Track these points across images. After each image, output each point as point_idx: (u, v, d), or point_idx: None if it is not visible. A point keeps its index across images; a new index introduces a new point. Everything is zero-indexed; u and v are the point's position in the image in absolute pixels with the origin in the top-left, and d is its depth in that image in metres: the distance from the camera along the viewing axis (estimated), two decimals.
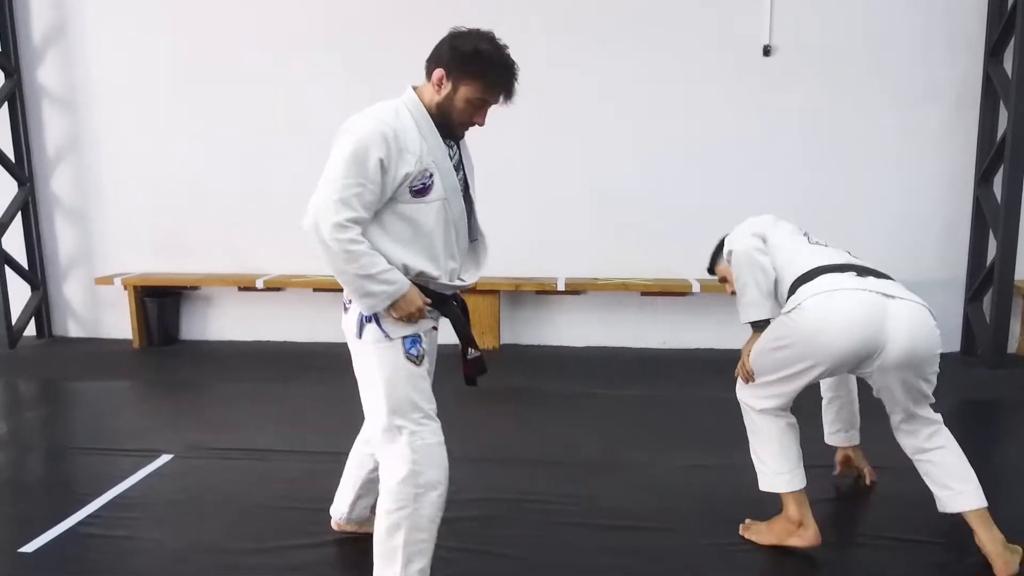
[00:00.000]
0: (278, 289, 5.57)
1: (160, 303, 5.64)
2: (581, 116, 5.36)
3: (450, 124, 2.13)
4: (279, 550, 2.65)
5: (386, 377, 2.13)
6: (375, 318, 2.11)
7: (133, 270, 5.76)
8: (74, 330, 5.98)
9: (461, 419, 4.01)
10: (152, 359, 5.39)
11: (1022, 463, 3.51)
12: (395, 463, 2.13)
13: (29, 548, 2.65)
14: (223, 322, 5.85)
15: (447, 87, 2.09)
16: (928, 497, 2.85)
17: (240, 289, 5.64)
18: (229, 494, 3.06)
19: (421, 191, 2.07)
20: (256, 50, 5.48)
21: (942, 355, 5.41)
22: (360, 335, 2.15)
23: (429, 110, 2.11)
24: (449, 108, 2.10)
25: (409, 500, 2.11)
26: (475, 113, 2.12)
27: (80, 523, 2.83)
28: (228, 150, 5.62)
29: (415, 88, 2.16)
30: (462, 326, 2.31)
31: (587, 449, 3.57)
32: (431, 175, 2.07)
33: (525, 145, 5.36)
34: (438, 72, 2.08)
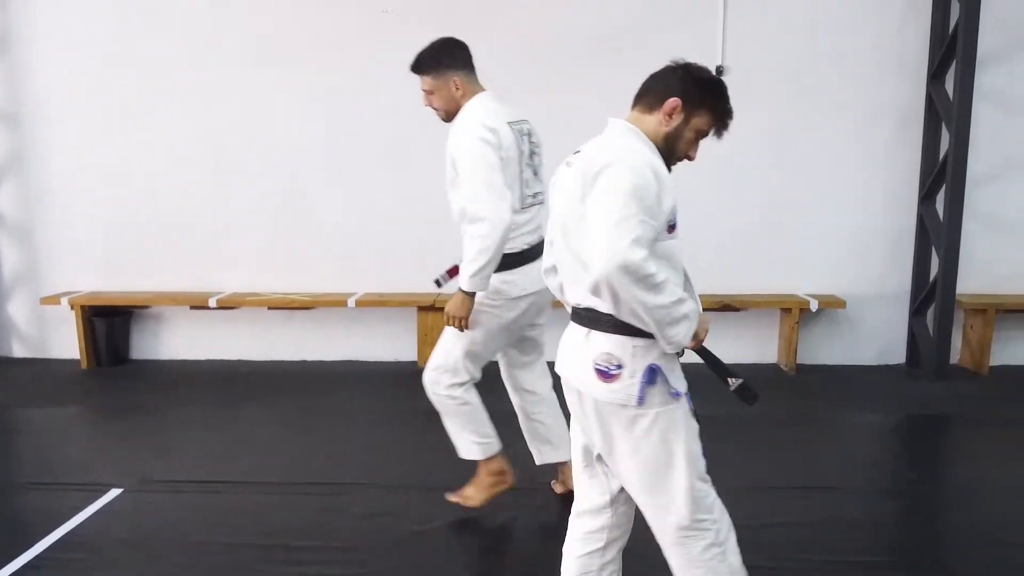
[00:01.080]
0: (231, 308, 5.47)
1: (109, 323, 5.50)
2: (544, 134, 5.37)
3: (671, 157, 2.05)
4: None
5: (686, 450, 1.91)
6: (661, 374, 1.89)
7: (80, 288, 5.61)
8: (18, 350, 5.79)
9: (419, 443, 4.04)
10: (101, 381, 5.25)
11: (968, 474, 3.63)
12: (702, 546, 2.00)
13: None
14: (175, 341, 5.73)
15: (678, 118, 2.01)
16: (874, 518, 2.93)
17: (192, 308, 5.53)
18: (182, 531, 3.00)
19: (674, 226, 1.94)
20: (211, 65, 5.38)
21: (887, 367, 5.67)
22: (643, 400, 1.87)
23: (655, 142, 2.02)
24: (676, 140, 2.03)
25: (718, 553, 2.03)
26: (693, 145, 2.07)
27: (26, 566, 2.74)
28: (180, 166, 5.50)
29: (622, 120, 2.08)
30: (714, 359, 2.04)
31: (550, 473, 3.58)
32: (674, 207, 1.97)
33: None
34: (672, 101, 1.99)
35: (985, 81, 4.97)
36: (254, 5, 5.33)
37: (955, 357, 5.38)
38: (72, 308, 5.39)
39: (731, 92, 5.47)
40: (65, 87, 5.43)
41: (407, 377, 5.31)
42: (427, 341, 5.43)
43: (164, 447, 3.94)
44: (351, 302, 5.31)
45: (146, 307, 5.64)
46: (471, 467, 3.66)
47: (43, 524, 3.03)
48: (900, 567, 2.76)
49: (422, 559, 2.83)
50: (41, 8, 5.36)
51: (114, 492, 3.33)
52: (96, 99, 5.44)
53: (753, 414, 4.34)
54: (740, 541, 2.72)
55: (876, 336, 5.50)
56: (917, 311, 5.35)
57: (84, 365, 5.46)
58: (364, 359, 5.62)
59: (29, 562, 2.77)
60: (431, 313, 5.38)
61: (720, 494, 2.73)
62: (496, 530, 3.06)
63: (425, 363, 5.38)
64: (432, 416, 4.46)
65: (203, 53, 5.38)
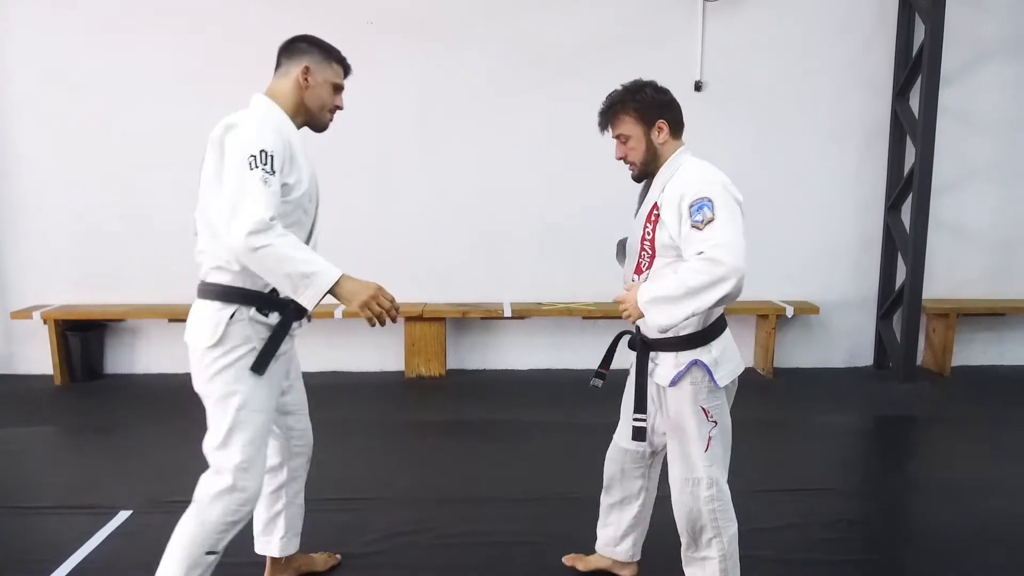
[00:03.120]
0: None
1: (83, 337, 5.33)
2: (526, 147, 5.46)
3: None
4: None
5: None
6: None
7: (51, 302, 5.42)
8: None
9: (420, 455, 4.07)
10: (78, 397, 5.09)
11: (938, 472, 3.83)
12: None
13: None
14: (151, 355, 5.59)
15: None
16: (851, 518, 3.07)
17: (171, 321, 5.40)
18: None
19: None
20: (186, 75, 5.27)
21: (856, 368, 5.91)
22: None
23: None
24: None
25: None
26: None
27: None
28: (153, 177, 5.37)
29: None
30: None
31: (556, 482, 3.64)
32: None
33: (472, 174, 5.42)
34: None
35: (946, 98, 5.26)
36: (232, 15, 5.25)
37: (919, 359, 5.67)
38: (45, 322, 5.21)
39: (708, 107, 5.94)
40: (34, 98, 5.26)
41: (395, 387, 5.33)
42: (414, 351, 5.45)
43: (164, 465, 3.86)
44: (338, 313, 5.28)
45: (121, 320, 5.49)
46: (476, 475, 3.73)
47: (55, 551, 2.94)
48: (878, 565, 2.92)
49: (448, 573, 2.87)
50: (11, 20, 5.18)
51: (123, 514, 3.25)
52: (66, 109, 5.27)
53: (736, 418, 4.53)
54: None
55: (846, 340, 5.76)
56: (884, 315, 5.62)
57: (58, 381, 5.29)
58: (350, 370, 5.60)
59: None
60: (419, 323, 5.39)
61: None
62: (525, 545, 3.09)
63: (412, 372, 5.46)
64: (425, 427, 4.51)
65: (176, 63, 5.27)
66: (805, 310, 5.51)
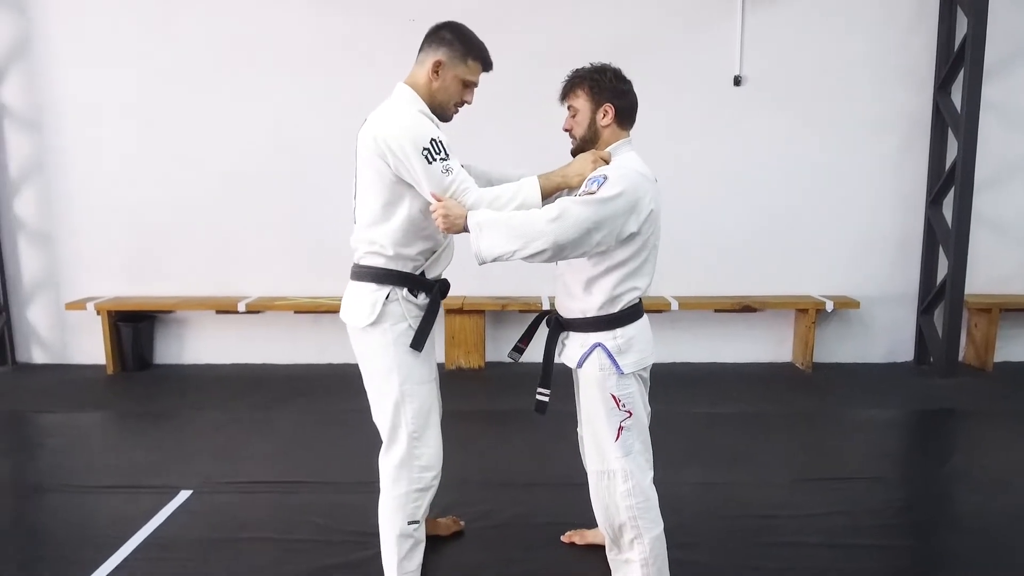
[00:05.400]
0: (256, 312, 5.50)
1: (135, 328, 5.49)
2: (563, 140, 5.50)
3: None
4: None
5: None
6: None
7: (103, 294, 5.59)
8: (39, 356, 5.75)
9: (462, 443, 4.12)
10: (130, 385, 5.24)
11: (983, 464, 3.81)
12: None
13: None
14: (198, 345, 5.74)
15: None
16: (897, 506, 3.08)
17: (219, 312, 5.55)
18: (266, 530, 3.06)
19: None
20: (236, 68, 5.41)
21: (896, 364, 5.81)
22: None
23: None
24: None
25: None
26: None
27: (118, 568, 2.78)
28: (200, 170, 5.52)
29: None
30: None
31: None
32: None
33: (512, 167, 5.48)
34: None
35: (987, 92, 5.21)
36: (279, 12, 5.38)
37: (960, 354, 5.63)
38: (98, 313, 5.37)
39: (747, 101, 5.96)
40: (85, 93, 5.43)
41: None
42: (454, 343, 5.54)
43: (219, 449, 3.97)
44: None
45: (170, 312, 5.64)
46: (520, 461, 3.79)
47: (123, 527, 3.07)
48: (924, 551, 2.97)
49: (505, 554, 2.94)
50: (60, 15, 5.35)
51: (184, 493, 3.37)
52: (117, 104, 5.44)
53: (777, 411, 4.53)
54: (782, 531, 2.86)
55: (886, 335, 5.73)
56: (925, 310, 5.59)
57: (110, 370, 5.45)
58: None
59: (121, 563, 2.81)
60: (458, 316, 5.48)
61: (757, 487, 2.91)
62: (569, 525, 3.15)
63: (452, 364, 5.54)
64: (467, 417, 4.58)
65: (223, 58, 5.41)
66: (845, 304, 5.50)
